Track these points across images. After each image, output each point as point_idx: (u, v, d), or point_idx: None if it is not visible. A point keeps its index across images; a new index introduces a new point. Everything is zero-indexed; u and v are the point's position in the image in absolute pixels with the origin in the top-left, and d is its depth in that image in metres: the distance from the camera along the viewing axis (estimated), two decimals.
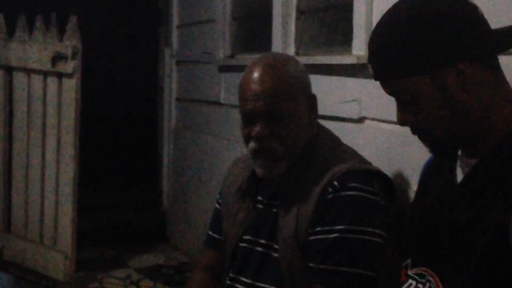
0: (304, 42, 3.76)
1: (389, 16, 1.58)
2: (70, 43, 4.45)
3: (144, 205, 6.10)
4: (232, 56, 4.60)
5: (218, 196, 2.54)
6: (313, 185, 2.16)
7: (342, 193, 2.11)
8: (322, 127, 2.35)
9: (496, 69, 1.56)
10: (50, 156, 4.66)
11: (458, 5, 1.53)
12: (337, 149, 2.28)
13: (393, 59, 1.54)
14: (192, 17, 5.25)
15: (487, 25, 1.54)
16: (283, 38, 3.83)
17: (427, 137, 1.61)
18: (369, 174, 2.18)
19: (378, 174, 2.22)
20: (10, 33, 4.82)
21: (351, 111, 3.12)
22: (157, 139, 5.96)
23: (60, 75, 4.54)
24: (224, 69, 4.58)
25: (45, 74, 4.62)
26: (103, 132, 6.18)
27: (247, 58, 4.25)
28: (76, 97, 4.46)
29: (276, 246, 2.22)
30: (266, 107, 2.15)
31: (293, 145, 2.19)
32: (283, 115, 2.16)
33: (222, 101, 4.58)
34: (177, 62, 5.54)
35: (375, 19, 3.03)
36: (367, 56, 2.95)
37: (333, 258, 2.07)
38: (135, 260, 5.13)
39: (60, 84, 4.56)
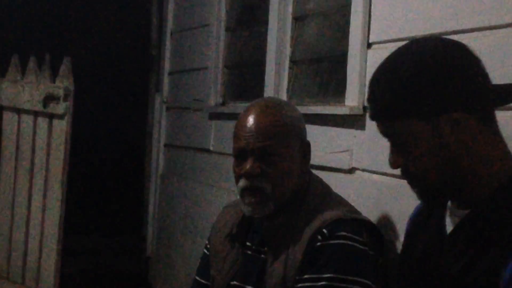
0: (296, 92, 3.79)
1: (393, 58, 1.61)
2: (63, 84, 4.46)
3: (128, 250, 6.06)
4: (223, 103, 4.62)
5: (206, 242, 2.54)
6: (302, 232, 2.16)
7: (331, 242, 2.12)
8: (314, 176, 2.36)
9: (492, 123, 1.58)
10: (36, 197, 4.63)
11: (461, 55, 1.56)
12: (327, 197, 2.29)
13: (392, 100, 1.56)
14: (184, 64, 5.28)
15: (487, 79, 1.56)
16: (276, 87, 3.86)
17: (417, 182, 1.62)
18: (359, 224, 2.18)
19: (367, 224, 2.23)
20: (3, 73, 4.83)
21: (342, 161, 3.13)
22: (144, 184, 5.94)
23: (51, 116, 4.54)
24: (215, 116, 4.59)
25: (36, 114, 4.62)
26: (89, 175, 6.15)
27: (238, 106, 4.27)
28: (66, 139, 4.46)
29: None
30: (258, 144, 2.17)
31: (282, 186, 2.20)
32: (275, 154, 2.18)
33: (211, 149, 4.59)
34: (167, 108, 5.56)
35: (369, 70, 3.07)
36: (360, 107, 3.00)
37: None
38: None
39: (50, 125, 4.55)
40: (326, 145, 3.27)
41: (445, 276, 1.56)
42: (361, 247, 2.12)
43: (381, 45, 3.05)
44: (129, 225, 6.21)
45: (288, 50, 3.87)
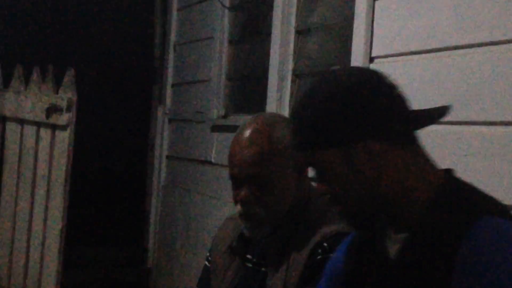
0: None
1: (309, 90, 1.65)
2: (66, 95, 4.47)
3: (129, 261, 6.06)
4: (225, 116, 4.64)
5: (208, 253, 2.54)
6: (302, 246, 2.17)
7: (332, 255, 2.12)
8: (315, 188, 2.35)
9: (412, 145, 1.61)
10: (38, 207, 4.64)
11: (373, 85, 1.59)
12: (328, 211, 2.28)
13: (307, 132, 1.60)
14: (187, 76, 5.30)
15: (403, 104, 1.59)
16: (278, 100, 3.87)
17: (343, 210, 1.66)
18: None
19: None
20: (6, 83, 4.84)
21: None
22: (145, 195, 5.95)
23: (53, 127, 4.55)
24: (217, 128, 4.61)
25: (39, 125, 4.63)
26: (91, 186, 6.16)
27: (241, 119, 4.29)
28: (69, 150, 4.46)
29: None
30: (250, 174, 2.18)
31: (277, 209, 2.20)
32: (268, 181, 2.18)
33: (213, 161, 4.60)
34: (170, 120, 5.57)
35: None
36: None
37: None
38: None
39: (53, 136, 4.56)
40: None
41: None
42: None
43: (384, 59, 3.07)
44: (130, 236, 6.21)
45: (290, 64, 3.88)
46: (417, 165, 1.60)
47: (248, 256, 2.35)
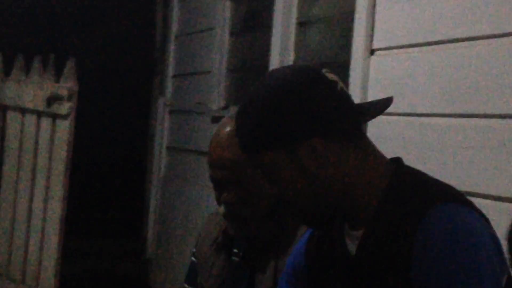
0: None
1: (251, 92, 1.64)
2: (67, 85, 4.48)
3: (128, 252, 6.07)
4: (226, 107, 4.65)
5: (194, 249, 2.53)
6: (290, 238, 2.17)
7: None
8: None
9: (358, 141, 1.59)
10: (38, 196, 4.65)
11: (314, 81, 1.57)
12: None
13: (248, 135, 1.59)
14: (187, 67, 5.31)
15: (345, 100, 1.58)
16: None
17: (295, 211, 1.65)
18: None
19: None
20: (7, 72, 4.85)
21: None
22: (145, 186, 5.96)
23: (54, 116, 4.56)
24: (217, 120, 4.60)
25: (40, 114, 4.64)
26: (90, 176, 6.17)
27: None
28: (69, 139, 4.48)
29: None
30: (230, 176, 2.16)
31: (262, 208, 2.19)
32: (248, 182, 2.17)
33: None
34: (170, 111, 5.58)
35: (372, 77, 3.09)
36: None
37: None
38: None
39: (53, 125, 4.57)
40: None
41: None
42: None
43: (384, 51, 3.07)
44: (129, 228, 6.22)
45: (291, 55, 3.89)
46: (366, 159, 1.59)
47: (235, 250, 2.35)
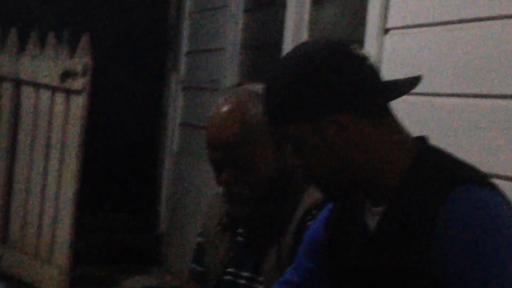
0: None
1: (279, 63, 1.64)
2: (81, 60, 4.50)
3: (140, 228, 6.11)
4: (239, 84, 4.64)
5: (200, 230, 2.54)
6: (291, 218, 2.18)
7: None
8: None
9: (384, 117, 1.60)
10: (52, 171, 4.69)
11: (342, 56, 1.58)
12: None
13: (276, 106, 1.60)
14: (201, 44, 5.31)
15: (373, 75, 1.59)
16: None
17: (319, 184, 1.66)
18: None
19: None
20: (22, 48, 4.87)
21: None
22: (157, 163, 5.99)
23: (68, 92, 4.58)
24: None
25: (54, 89, 4.66)
26: (104, 152, 6.19)
27: (255, 87, 4.30)
28: (83, 114, 4.51)
29: (260, 279, 2.25)
30: (228, 156, 2.16)
31: (261, 187, 2.20)
32: (246, 161, 2.17)
33: None
34: (183, 88, 5.59)
35: (386, 56, 3.09)
36: None
37: None
38: (128, 281, 5.14)
39: (67, 101, 4.60)
40: None
41: (379, 273, 1.59)
42: None
43: (398, 31, 3.07)
44: (142, 203, 6.26)
45: (305, 34, 3.89)
46: (391, 136, 1.59)
47: (240, 230, 2.37)
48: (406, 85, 1.62)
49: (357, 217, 1.68)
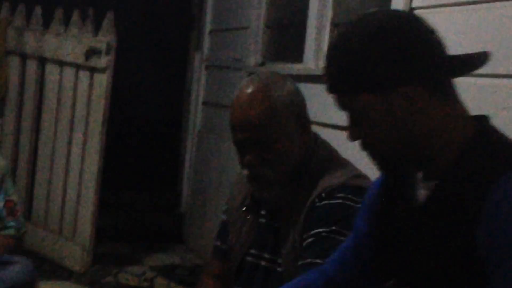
0: None
1: (345, 31, 1.60)
2: (105, 38, 4.51)
3: (163, 206, 6.13)
4: (262, 64, 4.65)
5: (224, 208, 2.54)
6: (305, 199, 2.19)
7: (328, 201, 2.14)
8: (320, 140, 2.34)
9: (448, 93, 1.58)
10: (76, 149, 4.72)
11: (412, 28, 1.55)
12: (331, 163, 2.28)
13: (343, 75, 1.57)
14: (225, 23, 5.30)
15: (442, 50, 1.56)
16: (316, 49, 3.87)
17: (373, 154, 1.63)
18: (361, 189, 2.17)
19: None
20: (47, 26, 4.89)
21: None
22: (180, 141, 6.00)
23: (92, 70, 4.60)
24: None
25: (78, 67, 4.68)
26: (127, 130, 6.22)
27: (278, 67, 4.29)
28: (107, 93, 4.52)
29: (279, 261, 2.25)
30: (253, 138, 2.17)
31: (284, 167, 2.20)
32: (271, 143, 2.17)
33: None
34: (206, 67, 5.59)
35: None
36: None
37: (310, 253, 2.10)
38: (150, 258, 5.17)
39: (91, 79, 4.62)
40: None
41: (424, 248, 1.58)
42: (357, 205, 2.11)
43: (424, 10, 3.05)
44: (164, 182, 6.28)
45: (329, 13, 3.87)
46: (453, 112, 1.58)
47: (262, 212, 2.37)
48: (476, 61, 1.59)
49: (408, 189, 1.67)
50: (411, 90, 1.53)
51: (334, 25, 3.85)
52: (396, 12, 1.63)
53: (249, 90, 2.21)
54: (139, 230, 5.77)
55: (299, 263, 2.14)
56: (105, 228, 5.17)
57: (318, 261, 2.07)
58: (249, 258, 2.35)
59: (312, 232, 2.12)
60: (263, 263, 2.31)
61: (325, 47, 3.86)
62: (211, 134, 5.39)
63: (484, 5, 2.72)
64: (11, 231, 3.28)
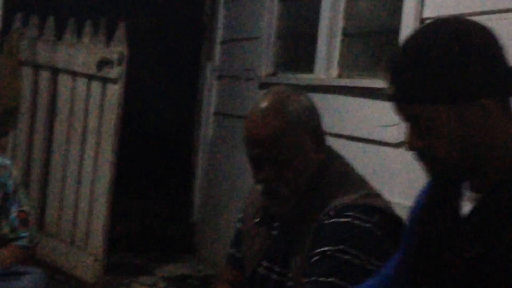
0: (347, 65, 3.80)
1: (420, 38, 1.55)
2: (117, 49, 4.52)
3: (175, 216, 6.14)
4: (274, 74, 4.65)
5: (239, 216, 2.54)
6: (316, 215, 2.18)
7: (336, 220, 2.13)
8: (334, 156, 2.33)
9: (510, 107, 1.56)
10: (88, 159, 4.73)
11: (489, 40, 1.52)
12: (343, 180, 2.26)
13: (419, 83, 1.51)
14: (236, 33, 5.32)
15: (509, 63, 1.54)
16: (327, 59, 3.88)
17: (436, 165, 1.58)
18: (372, 208, 2.17)
19: (382, 210, 2.21)
20: (60, 36, 4.91)
21: (390, 135, 3.15)
22: (192, 151, 6.01)
23: (104, 80, 4.61)
24: (265, 86, 4.62)
25: (90, 78, 4.70)
26: (139, 140, 6.24)
27: (289, 77, 4.30)
28: (119, 103, 4.53)
29: (290, 275, 2.25)
30: (268, 154, 2.16)
31: (299, 185, 2.20)
32: (286, 159, 2.17)
33: None
34: (218, 77, 5.60)
35: None
36: None
37: (315, 271, 2.09)
38: (162, 269, 5.18)
39: (104, 89, 4.63)
40: (374, 119, 3.28)
41: (461, 262, 1.55)
42: (365, 225, 2.10)
43: None
44: (176, 191, 6.29)
45: (340, 23, 3.88)
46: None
47: (275, 224, 2.37)
48: None
49: (454, 199, 1.64)
50: (489, 102, 1.50)
51: (345, 35, 3.85)
52: (470, 21, 1.57)
53: (264, 105, 2.20)
54: (151, 240, 5.78)
55: (305, 280, 2.13)
56: (116, 237, 5.18)
57: (321, 279, 2.07)
58: (260, 270, 2.35)
59: (319, 250, 2.11)
60: (274, 276, 2.30)
61: (336, 56, 3.86)
62: (222, 144, 5.40)
63: (496, 15, 2.72)
64: (24, 242, 3.29)
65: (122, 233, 5.53)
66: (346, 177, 2.27)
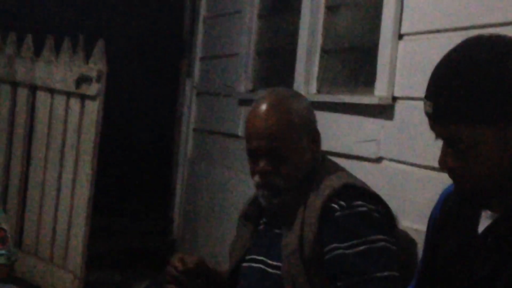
0: (326, 81, 3.81)
1: (464, 53, 1.52)
2: (96, 66, 4.51)
3: (155, 232, 6.12)
4: (253, 90, 4.66)
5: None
6: (313, 203, 2.23)
7: (351, 211, 2.18)
8: (327, 159, 2.43)
9: None
10: (66, 176, 4.70)
11: None
12: (337, 169, 2.35)
13: (460, 104, 1.48)
14: (216, 50, 5.32)
15: None
16: (306, 75, 3.89)
17: (470, 185, 1.55)
18: (371, 195, 2.25)
19: (376, 195, 2.29)
20: (38, 53, 4.89)
21: (370, 150, 3.16)
22: (172, 168, 6.00)
23: (83, 97, 4.59)
24: (244, 102, 4.63)
25: (69, 95, 4.68)
26: (118, 157, 6.22)
27: None
28: (98, 120, 4.52)
29: (278, 264, 2.29)
30: (269, 146, 2.26)
31: (295, 178, 2.30)
32: (285, 153, 2.27)
33: (240, 134, 4.63)
34: (197, 93, 5.60)
35: (400, 61, 3.09)
36: (389, 97, 3.03)
37: (360, 269, 2.11)
38: (142, 285, 5.14)
39: (82, 106, 4.61)
40: (354, 134, 3.29)
41: (473, 278, 1.55)
42: (377, 215, 2.20)
43: (413, 36, 3.07)
44: (156, 208, 6.27)
45: (319, 39, 3.89)
46: None
47: (263, 219, 2.45)
48: None
49: (469, 216, 1.63)
50: None
51: (324, 51, 3.86)
52: (506, 39, 1.53)
53: (268, 101, 2.31)
54: (130, 257, 5.75)
55: (340, 284, 2.14)
56: (95, 255, 5.14)
57: (378, 275, 2.10)
58: (246, 264, 2.41)
59: (348, 243, 2.15)
60: (261, 266, 2.37)
61: (315, 72, 3.87)
62: (202, 160, 5.39)
63: (473, 31, 2.73)
64: (2, 260, 3.26)
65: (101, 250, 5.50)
66: (338, 169, 2.37)
